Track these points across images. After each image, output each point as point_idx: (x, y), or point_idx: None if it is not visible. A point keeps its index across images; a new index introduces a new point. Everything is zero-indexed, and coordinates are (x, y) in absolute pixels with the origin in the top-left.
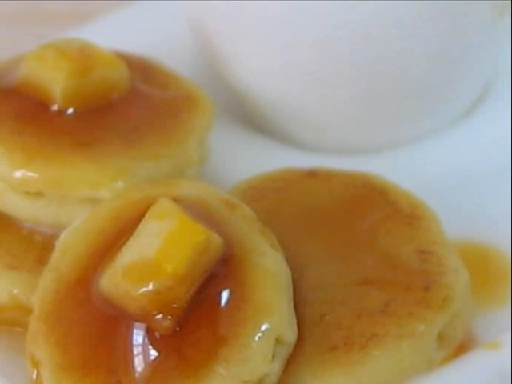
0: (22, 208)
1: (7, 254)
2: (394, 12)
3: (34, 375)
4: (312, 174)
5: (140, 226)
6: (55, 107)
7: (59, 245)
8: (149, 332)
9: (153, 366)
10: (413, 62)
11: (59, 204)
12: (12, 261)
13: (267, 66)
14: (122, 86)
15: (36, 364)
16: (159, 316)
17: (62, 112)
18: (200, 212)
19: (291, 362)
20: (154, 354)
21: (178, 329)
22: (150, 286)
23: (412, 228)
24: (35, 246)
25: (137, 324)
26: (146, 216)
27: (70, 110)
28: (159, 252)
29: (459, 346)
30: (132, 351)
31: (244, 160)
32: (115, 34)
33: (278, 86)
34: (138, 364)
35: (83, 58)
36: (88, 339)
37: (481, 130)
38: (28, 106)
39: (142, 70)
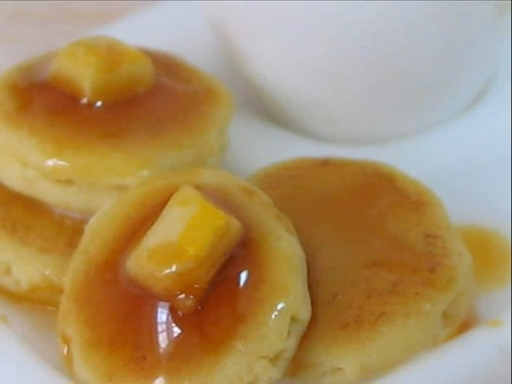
0: (53, 195)
1: (40, 237)
2: (402, 11)
3: (65, 351)
4: (325, 163)
5: (164, 211)
6: (85, 100)
7: (88, 229)
8: (172, 311)
9: (176, 343)
10: (419, 58)
11: (88, 191)
12: (44, 244)
13: (283, 62)
14: (147, 81)
15: (67, 340)
16: (182, 296)
17: (91, 105)
18: (220, 198)
19: (305, 339)
20: (176, 331)
21: (199, 308)
22: (174, 268)
23: (418, 213)
24: (66, 230)
25: (161, 303)
26: (170, 202)
27: (99, 103)
28: (182, 236)
29: (462, 324)
30: (156, 328)
31: (261, 150)
32: (141, 32)
33: (293, 81)
34: (162, 340)
35: (111, 54)
36: (115, 317)
37: (483, 122)
38: (59, 100)
39: (166, 66)
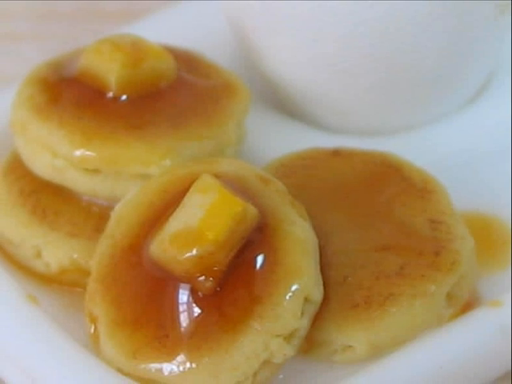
0: (81, 183)
1: (68, 223)
2: (408, 11)
3: (92, 330)
4: (336, 153)
5: (185, 198)
6: (111, 94)
7: (114, 215)
8: (192, 292)
9: (196, 322)
10: (424, 55)
11: (114, 179)
12: (73, 229)
13: (297, 59)
14: (169, 76)
15: (94, 320)
16: (202, 278)
17: (116, 98)
18: (238, 186)
19: (318, 318)
20: (197, 311)
21: (218, 289)
22: (194, 252)
23: (424, 200)
24: (93, 216)
25: (182, 285)
26: (191, 190)
27: (124, 97)
28: (202, 221)
29: (465, 305)
30: (178, 309)
31: (276, 140)
32: (163, 30)
33: (306, 76)
34: (183, 320)
35: (135, 51)
36: (139, 298)
37: (484, 115)
38: (87, 93)
39: (187, 62)
